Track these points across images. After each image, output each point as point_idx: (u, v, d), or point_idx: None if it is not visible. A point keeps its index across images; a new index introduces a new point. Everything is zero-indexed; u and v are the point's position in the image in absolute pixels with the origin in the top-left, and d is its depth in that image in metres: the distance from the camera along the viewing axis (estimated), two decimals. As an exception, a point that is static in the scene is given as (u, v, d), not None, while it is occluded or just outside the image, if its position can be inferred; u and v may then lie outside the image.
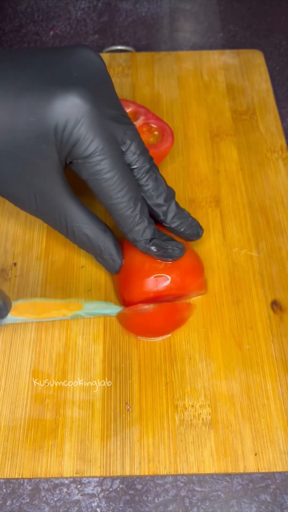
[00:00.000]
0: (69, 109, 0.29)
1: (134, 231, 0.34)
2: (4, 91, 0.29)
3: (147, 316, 0.37)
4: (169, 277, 0.36)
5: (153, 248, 0.35)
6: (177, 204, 0.37)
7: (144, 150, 0.34)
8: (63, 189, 0.33)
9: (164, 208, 0.36)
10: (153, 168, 0.35)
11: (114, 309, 0.38)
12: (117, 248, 0.37)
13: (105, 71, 0.33)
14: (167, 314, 0.37)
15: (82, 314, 0.37)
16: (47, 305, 0.37)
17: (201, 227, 0.39)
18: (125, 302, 0.38)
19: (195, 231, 0.38)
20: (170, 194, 0.37)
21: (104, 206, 0.34)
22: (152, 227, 0.35)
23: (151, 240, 0.35)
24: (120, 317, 0.38)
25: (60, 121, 0.29)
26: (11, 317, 0.36)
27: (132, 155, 0.33)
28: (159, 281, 0.36)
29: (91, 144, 0.30)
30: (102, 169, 0.31)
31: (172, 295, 0.37)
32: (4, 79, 0.29)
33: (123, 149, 0.33)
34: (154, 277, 0.36)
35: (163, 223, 0.37)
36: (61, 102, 0.29)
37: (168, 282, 0.36)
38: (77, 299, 0.38)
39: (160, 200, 0.36)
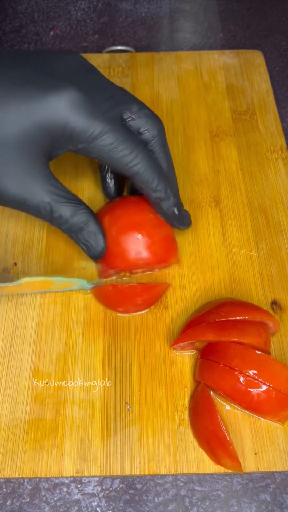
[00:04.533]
0: (63, 100, 0.31)
1: (157, 190, 0.35)
2: None
3: (122, 292, 0.38)
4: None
5: (175, 209, 0.37)
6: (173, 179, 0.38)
7: (152, 114, 0.36)
8: (44, 171, 0.33)
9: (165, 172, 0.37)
10: (162, 133, 0.36)
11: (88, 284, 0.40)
12: (99, 227, 0.36)
13: (88, 63, 0.36)
14: (142, 290, 0.38)
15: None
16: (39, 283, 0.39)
17: (190, 223, 0.40)
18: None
19: (186, 221, 0.39)
20: (172, 165, 0.38)
21: (125, 175, 0.35)
22: (171, 184, 0.36)
23: (174, 199, 0.36)
24: (95, 292, 0.40)
25: (54, 111, 0.31)
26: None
27: (139, 120, 0.35)
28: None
29: (90, 126, 0.32)
30: (107, 143, 0.33)
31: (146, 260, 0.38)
32: None
33: (126, 117, 0.35)
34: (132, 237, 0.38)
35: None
36: (54, 94, 0.31)
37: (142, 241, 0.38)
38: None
39: (164, 165, 0.37)
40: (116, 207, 0.40)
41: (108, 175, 0.43)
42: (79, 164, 0.47)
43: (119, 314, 0.39)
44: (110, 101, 0.34)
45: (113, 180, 0.43)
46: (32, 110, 0.31)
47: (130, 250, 0.38)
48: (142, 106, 0.36)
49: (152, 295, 0.39)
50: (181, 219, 0.38)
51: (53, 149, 0.33)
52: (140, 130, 0.35)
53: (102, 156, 0.34)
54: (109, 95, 0.34)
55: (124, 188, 0.45)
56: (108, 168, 0.43)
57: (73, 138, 0.32)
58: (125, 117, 0.34)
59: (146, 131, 0.35)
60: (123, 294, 0.38)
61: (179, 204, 0.37)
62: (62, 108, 0.31)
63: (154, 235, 0.38)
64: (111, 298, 0.38)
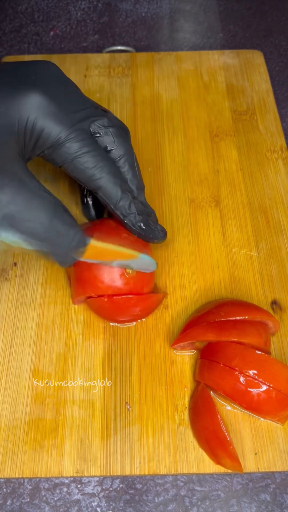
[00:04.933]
0: (31, 104, 0.31)
1: (119, 206, 0.35)
2: None
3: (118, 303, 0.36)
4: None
5: (141, 224, 0.36)
6: (144, 199, 0.37)
7: (120, 134, 0.35)
8: (23, 171, 0.32)
9: (134, 195, 0.37)
10: (130, 153, 0.36)
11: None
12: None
13: (63, 74, 0.36)
14: (137, 301, 0.37)
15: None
16: (111, 252, 0.35)
17: (164, 235, 0.38)
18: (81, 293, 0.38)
19: (158, 234, 0.37)
20: (141, 184, 0.37)
21: (89, 188, 0.35)
22: (136, 202, 0.36)
23: (138, 215, 0.35)
24: (90, 303, 0.38)
25: (22, 114, 0.31)
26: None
27: (106, 137, 0.35)
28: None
29: (55, 132, 0.32)
30: (70, 151, 0.33)
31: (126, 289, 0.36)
32: None
33: (96, 132, 0.35)
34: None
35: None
36: (23, 98, 0.31)
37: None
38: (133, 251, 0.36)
39: (133, 186, 0.36)
40: (91, 230, 0.38)
41: (89, 197, 0.42)
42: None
43: (118, 325, 0.39)
44: (80, 112, 0.34)
45: (91, 202, 0.42)
46: (1, 112, 0.31)
47: (101, 278, 0.36)
48: (112, 122, 0.35)
49: (148, 305, 0.38)
50: (151, 234, 0.37)
51: (25, 152, 0.33)
52: (108, 148, 0.35)
53: (66, 165, 0.34)
54: (80, 107, 0.34)
55: (104, 210, 0.43)
56: (88, 190, 0.42)
57: (39, 142, 0.33)
58: (92, 131, 0.34)
59: (112, 150, 0.35)
60: (118, 305, 0.37)
61: (144, 220, 0.36)
62: (30, 112, 0.32)
63: None
64: (106, 310, 0.37)
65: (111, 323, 0.39)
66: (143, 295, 0.37)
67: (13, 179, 0.30)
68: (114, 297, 0.36)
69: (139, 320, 0.39)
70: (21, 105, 0.31)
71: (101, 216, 0.43)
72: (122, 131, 0.36)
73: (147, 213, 0.37)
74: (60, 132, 0.32)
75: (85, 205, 0.43)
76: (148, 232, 0.36)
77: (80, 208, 0.44)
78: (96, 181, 0.34)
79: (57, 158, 0.34)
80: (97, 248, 0.34)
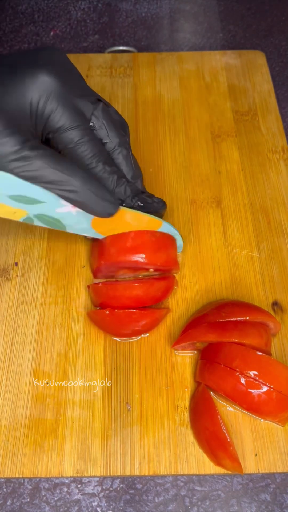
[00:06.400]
0: (40, 85, 0.32)
1: (117, 192, 0.36)
2: None
3: (120, 317, 0.36)
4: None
5: (138, 203, 0.37)
6: (142, 186, 0.38)
7: (114, 127, 0.36)
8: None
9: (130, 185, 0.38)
10: (124, 145, 0.37)
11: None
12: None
13: (69, 61, 0.36)
14: (140, 316, 0.37)
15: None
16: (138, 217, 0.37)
17: (163, 204, 0.39)
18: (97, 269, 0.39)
19: (156, 206, 0.39)
20: (137, 174, 0.38)
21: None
22: (131, 184, 0.37)
23: (134, 197, 0.37)
24: (91, 316, 0.38)
25: (34, 96, 0.32)
26: None
27: (101, 130, 0.36)
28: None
29: (61, 117, 0.33)
30: (73, 138, 0.34)
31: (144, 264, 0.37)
32: None
33: (92, 124, 0.35)
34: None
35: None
36: (32, 80, 0.32)
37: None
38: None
39: (128, 176, 0.37)
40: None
41: None
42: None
43: (118, 339, 0.38)
44: (84, 99, 0.35)
45: None
46: (14, 95, 0.32)
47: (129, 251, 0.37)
48: (106, 115, 0.36)
49: (150, 320, 0.37)
50: (150, 208, 0.38)
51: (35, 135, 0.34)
52: (102, 141, 0.36)
53: (67, 150, 0.34)
54: (84, 93, 0.35)
55: None
56: None
57: (48, 125, 0.33)
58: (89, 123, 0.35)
59: (106, 143, 0.36)
60: (120, 319, 0.36)
61: (141, 198, 0.37)
62: (41, 93, 0.32)
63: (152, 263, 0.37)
64: (107, 323, 0.37)
65: (117, 339, 0.39)
66: (146, 310, 0.37)
67: (45, 152, 0.31)
68: (116, 311, 0.36)
69: (142, 335, 0.39)
70: (32, 87, 0.32)
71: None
72: (117, 125, 0.37)
73: (139, 179, 0.38)
74: (66, 117, 0.33)
75: None
76: (148, 208, 0.37)
77: None
78: (92, 169, 0.35)
79: (60, 143, 0.34)
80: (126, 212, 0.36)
